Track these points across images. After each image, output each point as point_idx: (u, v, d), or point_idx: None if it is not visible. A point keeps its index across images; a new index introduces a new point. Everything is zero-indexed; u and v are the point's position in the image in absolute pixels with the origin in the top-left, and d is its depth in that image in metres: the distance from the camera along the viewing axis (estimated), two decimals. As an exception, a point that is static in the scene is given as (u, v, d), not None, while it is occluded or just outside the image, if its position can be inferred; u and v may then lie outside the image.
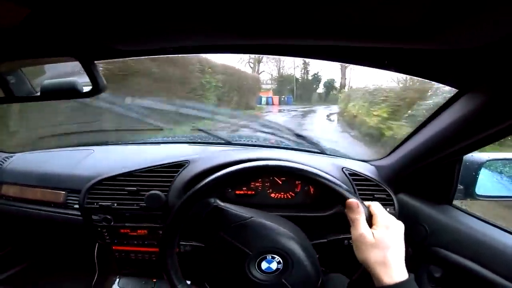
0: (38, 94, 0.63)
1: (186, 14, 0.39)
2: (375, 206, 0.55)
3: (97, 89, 0.49)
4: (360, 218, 0.52)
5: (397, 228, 0.53)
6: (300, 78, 19.31)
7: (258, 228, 0.62)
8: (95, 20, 0.42)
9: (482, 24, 0.35)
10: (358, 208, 0.53)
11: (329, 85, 19.15)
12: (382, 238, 0.50)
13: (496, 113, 0.51)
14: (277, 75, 19.57)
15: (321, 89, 19.46)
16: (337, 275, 0.80)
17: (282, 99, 15.44)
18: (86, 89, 0.51)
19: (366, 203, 0.56)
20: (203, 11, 0.38)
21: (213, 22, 0.42)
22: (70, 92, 0.57)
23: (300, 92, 18.50)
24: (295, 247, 0.61)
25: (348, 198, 0.54)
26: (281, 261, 0.60)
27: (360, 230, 0.51)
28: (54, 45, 0.47)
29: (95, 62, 0.51)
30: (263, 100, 13.27)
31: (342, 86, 17.36)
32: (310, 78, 19.52)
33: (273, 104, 13.92)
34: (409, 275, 0.49)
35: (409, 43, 0.43)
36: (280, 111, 11.92)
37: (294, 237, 0.63)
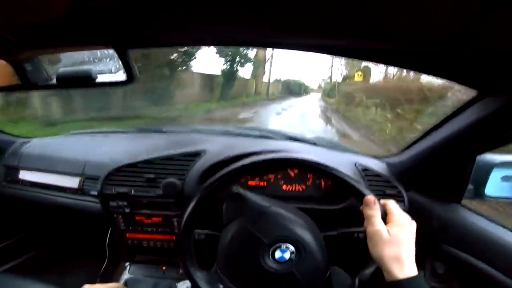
0: (54, 82, 0.65)
1: (222, 8, 0.41)
2: (392, 204, 0.57)
3: (131, 77, 0.51)
4: (376, 215, 0.54)
5: (411, 226, 0.55)
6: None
7: (275, 217, 0.64)
8: (133, 9, 0.43)
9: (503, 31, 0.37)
10: (375, 205, 0.55)
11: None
12: (397, 235, 0.52)
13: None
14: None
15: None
16: (338, 270, 0.81)
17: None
18: (121, 78, 0.53)
19: (382, 201, 0.58)
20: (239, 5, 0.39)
21: (249, 17, 0.43)
22: (86, 79, 0.58)
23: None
24: (309, 238, 0.62)
25: (366, 195, 0.56)
26: (294, 251, 0.61)
27: (376, 226, 0.53)
28: (92, 34, 0.49)
29: (129, 50, 0.52)
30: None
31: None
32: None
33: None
34: (419, 272, 0.51)
35: (436, 48, 0.45)
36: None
37: (308, 227, 0.65)
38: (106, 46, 0.51)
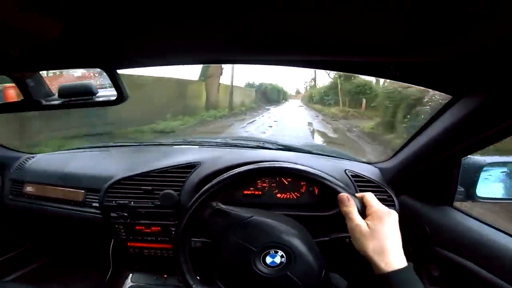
0: (56, 96, 0.68)
1: (199, 34, 0.45)
2: (369, 197, 0.57)
3: (121, 97, 0.55)
4: (352, 210, 0.55)
5: (391, 216, 0.54)
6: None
7: (259, 226, 0.66)
8: (120, 35, 0.47)
9: (460, 39, 0.39)
10: (349, 201, 0.56)
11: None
12: (378, 228, 0.52)
13: (488, 117, 0.54)
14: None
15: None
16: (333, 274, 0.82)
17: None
18: (112, 97, 0.56)
19: (358, 194, 0.59)
20: (215, 30, 0.43)
21: (225, 40, 0.47)
22: (87, 93, 0.62)
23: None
24: (296, 242, 0.65)
25: (340, 192, 0.57)
26: (283, 255, 0.63)
27: (355, 221, 0.54)
28: (82, 57, 0.53)
29: (118, 71, 0.56)
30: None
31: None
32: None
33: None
34: (408, 264, 0.51)
35: (397, 57, 0.48)
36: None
37: (295, 232, 0.67)
38: (95, 67, 0.55)
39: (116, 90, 0.55)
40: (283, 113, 13.04)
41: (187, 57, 0.58)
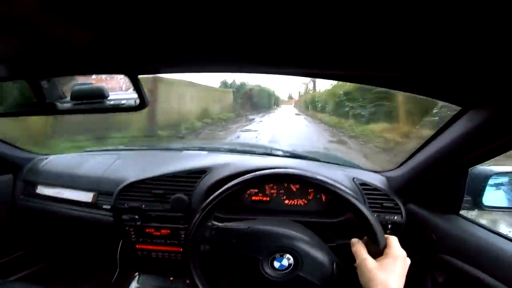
0: (68, 99, 0.69)
1: (215, 47, 0.48)
2: (391, 240, 0.61)
3: (143, 103, 0.57)
4: (360, 249, 0.61)
5: (404, 261, 0.59)
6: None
7: (258, 235, 0.68)
8: (144, 44, 0.50)
9: (471, 53, 0.41)
10: (357, 243, 0.62)
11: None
12: (387, 264, 0.56)
13: (495, 129, 0.56)
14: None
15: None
16: None
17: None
18: (133, 104, 0.58)
19: (386, 236, 0.62)
20: (232, 45, 0.46)
21: (247, 52, 0.49)
22: (99, 96, 0.64)
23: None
24: (298, 242, 0.66)
25: (364, 213, 0.61)
26: (290, 257, 0.64)
27: (362, 256, 0.59)
28: (109, 64, 0.56)
29: (139, 77, 0.59)
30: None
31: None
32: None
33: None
34: None
35: (408, 73, 0.51)
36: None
37: (294, 233, 0.68)
38: (119, 73, 0.58)
39: (139, 96, 0.57)
40: (275, 127, 8.18)
41: (207, 66, 0.61)
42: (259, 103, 13.78)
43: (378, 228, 0.60)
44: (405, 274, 0.58)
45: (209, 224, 0.69)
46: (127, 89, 0.69)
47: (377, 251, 0.59)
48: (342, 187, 0.64)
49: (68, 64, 0.55)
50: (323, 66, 0.53)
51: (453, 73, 0.51)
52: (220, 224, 0.70)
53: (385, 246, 0.60)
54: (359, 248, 0.61)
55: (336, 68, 0.53)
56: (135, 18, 0.39)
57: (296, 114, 14.01)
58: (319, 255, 0.65)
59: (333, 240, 0.80)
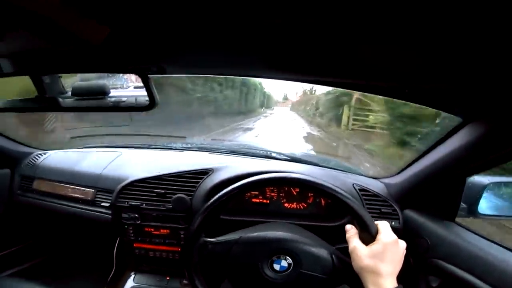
0: (69, 94, 0.69)
1: (229, 50, 0.49)
2: (381, 225, 0.62)
3: (153, 103, 0.57)
4: (352, 236, 0.62)
5: (396, 245, 0.60)
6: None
7: (251, 242, 0.68)
8: (155, 44, 0.51)
9: (473, 67, 0.43)
10: (351, 229, 0.64)
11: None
12: (377, 251, 0.58)
13: (496, 141, 0.58)
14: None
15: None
16: None
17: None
18: (145, 103, 0.58)
19: (376, 222, 0.63)
20: (244, 47, 0.47)
21: (256, 57, 0.51)
22: (100, 93, 0.63)
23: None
24: (291, 242, 0.67)
25: (363, 217, 0.61)
26: (287, 257, 0.65)
27: (352, 243, 0.61)
28: (122, 62, 0.56)
29: (150, 76, 0.59)
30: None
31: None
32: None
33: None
34: (398, 285, 0.55)
35: (410, 83, 0.52)
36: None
37: (286, 235, 0.68)
38: (130, 73, 0.58)
39: (149, 96, 0.57)
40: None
41: (215, 68, 0.62)
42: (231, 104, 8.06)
43: (365, 214, 0.62)
44: (400, 258, 0.59)
45: (201, 241, 0.69)
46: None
47: (368, 237, 0.60)
48: (321, 181, 0.66)
49: (81, 62, 0.55)
50: (327, 73, 0.55)
51: (456, 85, 0.53)
52: (212, 239, 0.70)
53: (377, 232, 0.61)
54: (351, 236, 0.62)
55: (339, 75, 0.55)
56: (151, 16, 0.39)
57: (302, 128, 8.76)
58: (315, 249, 0.66)
59: (332, 244, 0.82)
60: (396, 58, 0.44)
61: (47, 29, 0.40)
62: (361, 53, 0.43)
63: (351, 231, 0.64)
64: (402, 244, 0.61)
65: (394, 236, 0.60)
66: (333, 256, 0.66)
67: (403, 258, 0.60)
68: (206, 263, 0.70)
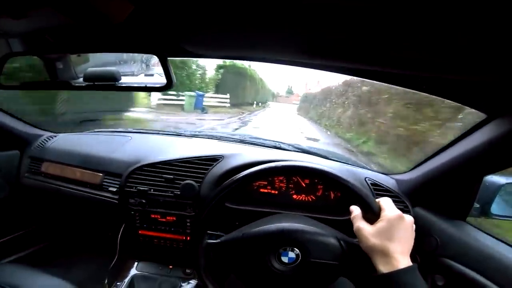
0: (81, 80, 0.69)
1: (251, 31, 0.47)
2: (383, 202, 0.60)
3: (170, 83, 0.57)
4: (356, 216, 0.60)
5: (402, 221, 0.56)
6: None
7: (254, 238, 0.67)
8: (174, 26, 0.50)
9: (502, 60, 0.41)
10: (354, 210, 0.62)
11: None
12: (383, 229, 0.55)
13: None
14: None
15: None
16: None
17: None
18: (161, 83, 0.58)
19: (377, 199, 0.61)
20: (268, 30, 0.45)
21: (276, 40, 0.49)
22: (111, 79, 0.63)
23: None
24: (295, 232, 0.65)
25: (373, 208, 0.59)
26: (294, 248, 0.64)
27: (356, 223, 0.59)
28: (142, 43, 0.55)
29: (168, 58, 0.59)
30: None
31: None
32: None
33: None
34: (412, 264, 0.52)
35: (436, 73, 0.51)
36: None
37: (290, 225, 0.67)
38: (150, 53, 0.58)
39: (166, 76, 0.57)
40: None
41: (235, 51, 0.60)
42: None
43: (363, 192, 0.60)
44: (409, 235, 0.56)
45: (204, 244, 0.68)
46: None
47: (372, 216, 0.58)
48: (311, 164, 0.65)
49: (101, 41, 0.55)
50: (346, 59, 0.53)
51: (483, 78, 0.51)
52: (214, 241, 0.69)
53: (380, 209, 0.58)
54: (355, 216, 0.61)
55: (366, 62, 0.53)
56: None
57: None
58: (322, 237, 0.65)
59: None
60: (422, 44, 0.42)
61: (72, 2, 0.39)
62: (386, 37, 0.41)
63: (354, 211, 0.62)
64: (409, 218, 0.58)
65: (398, 211, 0.57)
66: (341, 241, 0.64)
67: (413, 235, 0.58)
68: (213, 264, 0.69)
